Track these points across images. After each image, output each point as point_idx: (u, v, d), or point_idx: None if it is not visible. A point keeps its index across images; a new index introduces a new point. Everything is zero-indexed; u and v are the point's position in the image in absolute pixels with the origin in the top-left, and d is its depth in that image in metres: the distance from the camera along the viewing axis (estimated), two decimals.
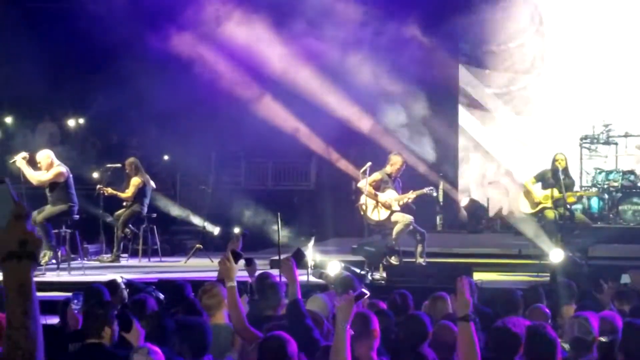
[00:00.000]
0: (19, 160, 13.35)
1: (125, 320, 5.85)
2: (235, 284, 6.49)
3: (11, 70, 18.08)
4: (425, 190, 13.47)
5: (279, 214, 12.05)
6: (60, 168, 13.65)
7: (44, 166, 13.63)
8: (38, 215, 13.48)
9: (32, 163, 13.59)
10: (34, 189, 13.74)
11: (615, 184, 16.88)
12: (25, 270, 2.52)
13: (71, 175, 13.87)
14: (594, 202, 16.86)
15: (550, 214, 13.85)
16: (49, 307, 8.50)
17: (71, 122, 19.04)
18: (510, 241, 15.87)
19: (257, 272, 9.22)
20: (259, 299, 8.03)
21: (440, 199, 19.14)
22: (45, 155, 13.74)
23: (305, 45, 17.90)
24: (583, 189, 17.08)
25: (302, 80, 18.17)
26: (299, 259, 6.99)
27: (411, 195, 13.35)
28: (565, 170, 13.92)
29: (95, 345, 5.97)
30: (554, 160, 13.97)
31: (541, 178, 14.18)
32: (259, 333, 6.26)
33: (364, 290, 5.39)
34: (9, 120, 19.10)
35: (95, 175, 16.73)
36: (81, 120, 19.39)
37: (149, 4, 17.62)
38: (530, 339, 5.42)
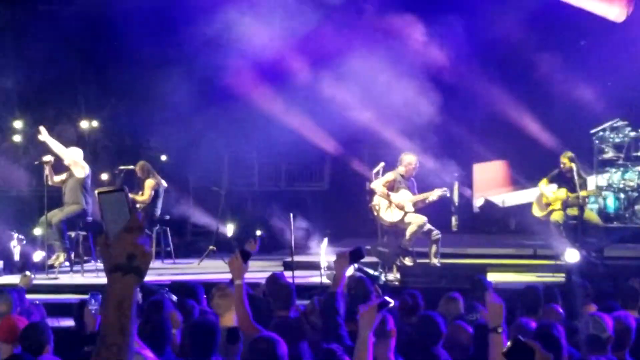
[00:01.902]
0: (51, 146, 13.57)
1: None
2: (242, 282, 6.51)
3: (26, 73, 18.12)
4: (440, 192, 13.41)
5: (291, 215, 12.06)
6: (86, 167, 13.90)
7: (72, 163, 13.85)
8: (54, 217, 13.55)
9: (55, 168, 13.77)
10: (50, 191, 13.81)
11: (632, 184, 16.78)
12: (128, 286, 2.44)
13: (90, 178, 14.03)
14: (610, 202, 16.76)
15: (557, 216, 13.79)
16: (62, 309, 8.54)
17: (86, 125, 19.05)
18: (525, 241, 15.82)
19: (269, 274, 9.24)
20: (271, 300, 8.02)
21: (455, 199, 19.08)
22: (75, 152, 13.98)
23: (318, 45, 17.87)
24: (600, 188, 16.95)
25: (315, 80, 18.15)
26: (356, 258, 6.91)
27: (425, 197, 13.30)
28: (577, 169, 13.85)
29: None
30: (560, 162, 13.98)
31: (553, 178, 14.15)
32: (264, 330, 6.26)
33: (387, 298, 5.33)
34: (22, 123, 19.11)
35: (105, 177, 16.75)
36: (95, 123, 19.39)
37: (164, 6, 17.63)
38: (537, 338, 5.38)
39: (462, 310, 7.59)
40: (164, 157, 18.93)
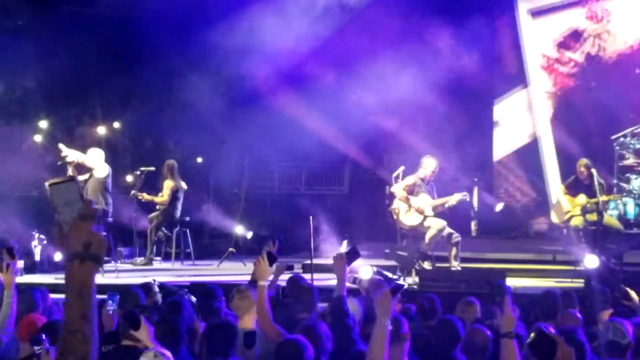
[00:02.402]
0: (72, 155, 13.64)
1: (134, 318, 5.89)
2: (266, 283, 6.58)
3: (46, 74, 18.20)
4: (460, 196, 13.38)
5: (310, 217, 12.05)
6: (107, 168, 13.97)
7: (90, 163, 13.97)
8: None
9: (78, 168, 13.86)
10: None
11: None
12: (87, 273, 2.51)
13: (110, 179, 14.11)
14: (630, 208, 16.70)
15: (577, 221, 13.77)
16: None
17: (108, 126, 19.13)
18: (545, 247, 15.78)
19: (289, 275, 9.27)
20: (292, 302, 8.04)
21: (475, 204, 19.04)
22: (95, 153, 14.11)
23: (340, 50, 17.89)
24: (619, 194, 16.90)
25: (336, 84, 18.17)
26: (353, 258, 6.96)
27: (445, 201, 13.28)
28: (597, 175, 13.82)
29: (129, 347, 6.00)
30: (577, 170, 13.99)
31: (570, 185, 14.14)
32: (285, 332, 6.28)
33: (399, 282, 5.34)
34: (45, 124, 19.22)
35: (129, 179, 16.82)
36: (117, 124, 19.47)
37: (187, 9, 17.69)
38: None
39: (479, 315, 7.59)
40: (199, 159, 19.03)
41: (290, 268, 8.16)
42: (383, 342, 4.98)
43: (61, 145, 13.92)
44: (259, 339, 6.64)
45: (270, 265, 6.66)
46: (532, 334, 3.28)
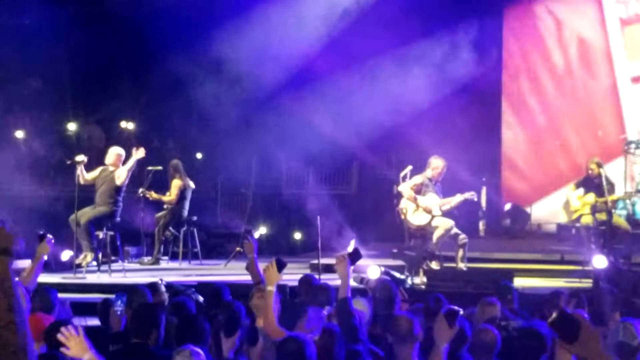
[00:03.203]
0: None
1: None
2: (274, 289, 6.59)
3: (55, 74, 18.24)
4: (467, 195, 13.35)
5: (318, 217, 12.05)
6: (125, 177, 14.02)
7: (114, 162, 14.01)
8: (83, 216, 13.63)
9: (88, 167, 13.90)
10: (83, 191, 13.90)
11: None
12: (2, 267, 2.55)
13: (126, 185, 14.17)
14: (639, 208, 16.67)
15: (587, 219, 13.74)
16: (89, 308, 8.58)
17: (123, 125, 19.17)
18: (553, 247, 15.75)
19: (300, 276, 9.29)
20: (306, 301, 8.04)
21: (483, 204, 19.01)
22: (117, 153, 14.19)
23: (347, 49, 17.89)
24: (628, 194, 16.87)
25: (343, 84, 18.16)
26: (355, 259, 6.95)
27: (453, 200, 13.25)
28: (605, 174, 13.79)
29: (139, 345, 6.01)
30: (587, 168, 13.96)
31: (580, 184, 14.10)
32: (290, 333, 6.26)
33: (454, 307, 5.32)
34: (52, 123, 19.25)
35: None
36: (127, 124, 19.49)
37: (197, 9, 17.72)
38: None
39: (499, 315, 7.59)
40: (199, 155, 19.02)
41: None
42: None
43: (142, 149, 13.92)
44: (263, 338, 6.65)
45: (279, 271, 6.67)
46: (554, 314, 3.23)
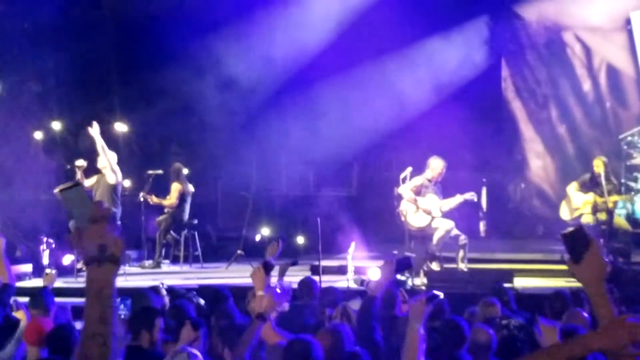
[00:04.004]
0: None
1: None
2: (264, 293, 6.50)
3: (54, 76, 18.25)
4: (467, 195, 13.36)
5: (318, 219, 12.06)
6: (119, 174, 14.05)
7: (104, 164, 14.08)
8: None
9: (87, 171, 13.91)
10: None
11: None
12: (106, 275, 2.46)
13: (121, 185, 14.17)
14: (638, 207, 16.68)
15: (588, 219, 13.75)
16: None
17: (119, 128, 19.15)
18: (553, 247, 15.76)
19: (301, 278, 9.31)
20: (310, 302, 8.08)
21: (484, 205, 19.02)
22: (112, 156, 14.22)
23: (347, 51, 17.91)
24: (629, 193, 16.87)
25: (343, 85, 18.17)
26: (402, 268, 6.95)
27: (452, 201, 13.26)
28: (606, 174, 13.80)
29: (132, 347, 6.05)
30: (593, 165, 13.97)
31: (582, 183, 14.12)
32: (287, 334, 6.26)
33: (435, 292, 5.36)
34: (51, 126, 19.23)
35: (127, 184, 16.85)
36: (123, 127, 19.49)
37: (196, 12, 17.73)
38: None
39: (499, 314, 7.63)
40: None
41: (294, 264, 8.13)
42: (416, 347, 4.99)
43: (95, 123, 13.85)
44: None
45: (267, 274, 6.60)
46: (570, 228, 3.20)
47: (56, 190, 2.57)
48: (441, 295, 5.39)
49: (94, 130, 13.73)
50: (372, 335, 6.47)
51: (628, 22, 18.60)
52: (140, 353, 6.06)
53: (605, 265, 3.15)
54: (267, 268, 6.63)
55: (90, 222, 2.45)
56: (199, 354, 5.28)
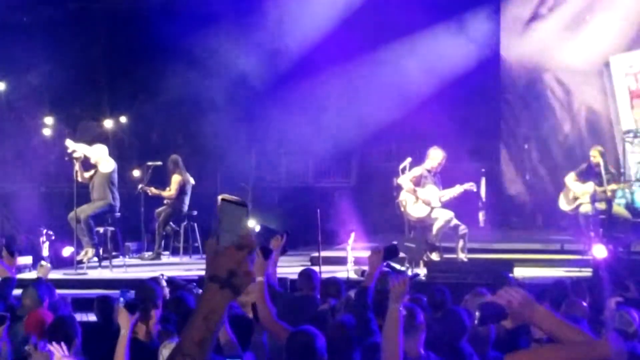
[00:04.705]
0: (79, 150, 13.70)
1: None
2: (264, 279, 6.48)
3: (53, 70, 18.23)
4: (466, 185, 13.37)
5: (318, 210, 12.06)
6: (112, 162, 14.01)
7: (97, 160, 14.05)
8: (82, 213, 13.65)
9: (84, 164, 13.91)
10: (79, 187, 13.92)
11: None
12: (221, 300, 2.40)
13: (116, 173, 14.15)
14: (638, 197, 16.67)
15: (586, 208, 13.77)
16: (91, 304, 8.60)
17: (113, 121, 19.15)
18: (552, 236, 15.78)
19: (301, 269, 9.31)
20: (310, 294, 8.08)
21: (483, 195, 19.01)
22: (99, 149, 14.20)
23: (345, 42, 17.89)
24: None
25: (342, 76, 18.16)
26: (390, 256, 6.93)
27: (452, 191, 13.27)
28: (605, 164, 13.82)
29: (137, 341, 6.04)
30: (590, 155, 14.00)
31: (580, 173, 14.13)
32: (288, 326, 6.25)
33: (416, 271, 5.37)
34: (50, 120, 19.24)
35: (137, 173, 16.85)
36: (122, 119, 19.50)
37: (191, 4, 17.72)
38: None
39: None
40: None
41: (284, 251, 8.11)
42: (396, 327, 4.97)
43: (68, 141, 13.97)
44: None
45: (266, 259, 6.55)
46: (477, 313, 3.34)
47: (220, 197, 2.52)
48: (421, 274, 5.39)
49: (70, 147, 13.77)
50: (370, 327, 6.46)
51: (607, 65, 18.56)
52: (137, 345, 6.04)
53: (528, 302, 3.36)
54: (265, 253, 6.58)
55: (236, 246, 2.40)
56: None
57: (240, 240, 2.39)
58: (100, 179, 13.95)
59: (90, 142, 14.56)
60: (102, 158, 14.00)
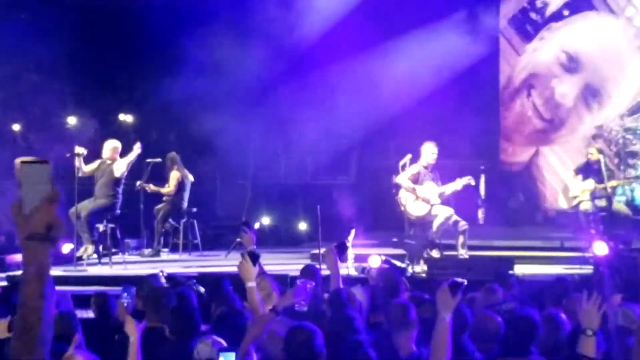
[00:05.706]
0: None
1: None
2: (254, 284, 6.38)
3: (52, 68, 18.22)
4: (464, 179, 13.37)
5: (318, 207, 12.05)
6: (124, 168, 14.16)
7: (110, 156, 14.11)
8: (83, 209, 13.65)
9: (85, 158, 13.92)
10: (83, 184, 13.93)
11: None
12: (45, 253, 2.53)
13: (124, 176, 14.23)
14: (638, 194, 16.67)
15: (586, 206, 13.77)
16: (90, 301, 8.58)
17: (115, 118, 19.13)
18: (553, 234, 15.77)
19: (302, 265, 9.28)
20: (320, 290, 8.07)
21: (482, 192, 19.00)
22: (113, 146, 14.27)
23: (345, 38, 17.88)
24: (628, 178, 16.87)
25: (342, 73, 18.15)
26: (341, 250, 6.94)
27: (450, 186, 13.27)
28: (604, 161, 13.82)
29: (150, 329, 6.05)
30: (588, 153, 14.03)
31: (579, 170, 14.14)
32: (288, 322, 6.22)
33: (458, 280, 5.29)
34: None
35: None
36: (124, 117, 19.48)
37: (193, 3, 17.72)
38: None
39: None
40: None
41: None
42: (445, 337, 4.93)
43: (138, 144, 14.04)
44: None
45: (254, 264, 6.44)
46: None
47: (18, 161, 2.60)
48: (465, 282, 5.32)
49: (138, 148, 13.93)
50: (353, 325, 6.41)
51: None
52: (163, 335, 6.12)
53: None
54: (253, 258, 6.46)
55: (47, 201, 2.51)
56: (222, 340, 5.33)
57: (50, 195, 2.52)
58: (107, 179, 13.98)
59: (92, 140, 14.55)
60: (123, 162, 14.08)
